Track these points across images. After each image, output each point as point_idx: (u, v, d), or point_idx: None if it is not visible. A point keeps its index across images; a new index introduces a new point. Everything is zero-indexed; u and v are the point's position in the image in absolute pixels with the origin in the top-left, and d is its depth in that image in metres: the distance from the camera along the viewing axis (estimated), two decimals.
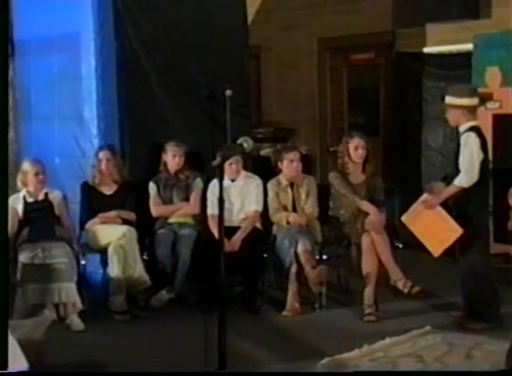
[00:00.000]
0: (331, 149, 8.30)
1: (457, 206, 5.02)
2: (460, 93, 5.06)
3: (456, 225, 4.97)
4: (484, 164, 4.94)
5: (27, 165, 5.70)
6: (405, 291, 5.36)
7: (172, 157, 5.96)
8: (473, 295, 5.08)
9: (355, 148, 5.66)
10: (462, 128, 5.05)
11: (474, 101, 5.05)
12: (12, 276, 5.17)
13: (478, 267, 5.02)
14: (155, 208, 5.97)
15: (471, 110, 5.05)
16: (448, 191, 5.01)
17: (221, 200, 3.77)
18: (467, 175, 4.90)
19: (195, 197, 5.99)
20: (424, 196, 5.15)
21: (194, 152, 6.17)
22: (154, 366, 4.40)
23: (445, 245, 5.03)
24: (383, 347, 4.66)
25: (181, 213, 5.96)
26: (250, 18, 7.49)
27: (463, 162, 4.92)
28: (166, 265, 5.67)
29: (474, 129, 5.00)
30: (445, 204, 5.05)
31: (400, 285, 5.37)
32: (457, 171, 4.98)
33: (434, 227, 5.06)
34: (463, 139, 4.96)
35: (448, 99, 5.08)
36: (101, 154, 5.83)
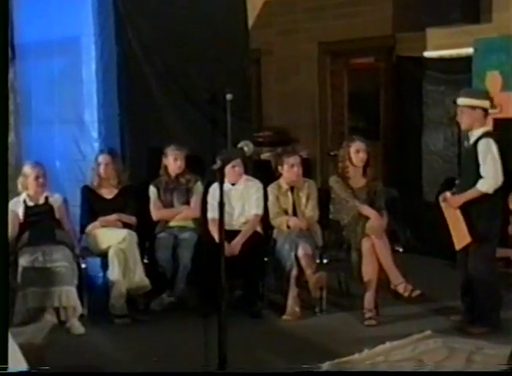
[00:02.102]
0: (332, 153, 8.29)
1: (471, 211, 5.01)
2: (476, 95, 5.14)
3: (467, 233, 4.98)
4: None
5: (27, 169, 5.70)
6: (406, 294, 5.35)
7: (173, 161, 5.96)
8: (477, 300, 5.07)
9: (356, 152, 5.66)
10: (476, 133, 5.03)
11: (488, 104, 5.09)
12: (13, 280, 5.17)
13: (485, 273, 5.02)
14: (155, 212, 5.96)
15: (484, 114, 5.06)
16: (470, 194, 4.98)
17: (221, 204, 3.76)
18: (493, 181, 4.90)
19: (195, 200, 5.98)
20: (447, 194, 5.15)
21: (195, 156, 6.17)
22: (154, 371, 4.40)
23: (460, 245, 5.05)
24: (383, 351, 4.66)
25: (181, 217, 5.96)
26: (250, 22, 7.50)
27: (486, 168, 4.90)
28: (166, 268, 5.67)
29: (491, 135, 5.01)
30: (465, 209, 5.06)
31: (400, 289, 5.37)
32: (469, 177, 4.98)
33: (453, 225, 5.08)
34: (482, 144, 4.94)
35: (464, 101, 5.08)
36: (100, 158, 5.83)
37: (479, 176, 4.93)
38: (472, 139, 5.06)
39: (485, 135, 4.99)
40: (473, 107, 5.03)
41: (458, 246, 5.07)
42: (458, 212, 5.04)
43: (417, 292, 5.34)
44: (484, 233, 4.99)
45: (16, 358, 3.12)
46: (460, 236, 5.02)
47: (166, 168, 6.01)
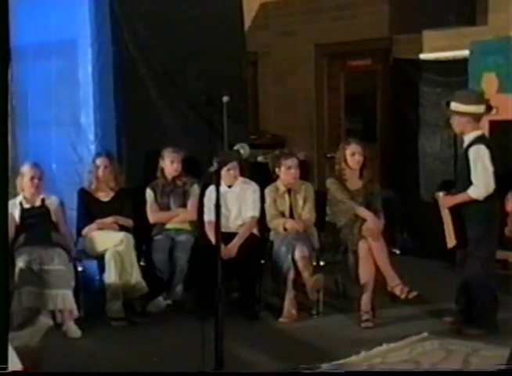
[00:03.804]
0: (328, 155, 8.30)
1: (467, 215, 5.02)
2: (466, 100, 5.03)
3: (453, 237, 5.00)
4: (494, 175, 4.93)
5: (24, 169, 5.69)
6: (403, 296, 5.36)
7: (170, 163, 5.96)
8: (473, 303, 5.08)
9: (352, 154, 5.66)
10: (468, 138, 5.01)
11: (480, 108, 5.03)
12: (10, 281, 5.16)
13: (482, 276, 5.02)
14: (152, 215, 5.96)
15: (477, 118, 5.02)
16: (461, 198, 4.99)
17: (217, 206, 3.76)
18: (483, 189, 4.89)
19: (192, 203, 5.98)
20: (440, 194, 5.17)
21: (191, 158, 6.17)
22: (150, 373, 4.39)
23: (449, 246, 5.09)
24: (380, 353, 4.67)
25: (178, 219, 5.95)
26: (247, 24, 7.51)
27: (477, 176, 4.89)
28: (163, 271, 5.66)
29: (482, 140, 4.98)
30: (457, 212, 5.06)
31: (397, 291, 5.37)
32: (463, 181, 4.98)
33: (444, 225, 5.11)
34: (472, 151, 4.92)
35: (454, 106, 5.04)
36: (98, 161, 5.82)
37: (471, 182, 4.93)
38: (464, 144, 5.05)
39: (477, 140, 4.96)
40: (461, 113, 5.00)
41: (448, 246, 5.09)
42: (447, 213, 5.05)
43: (414, 294, 5.35)
44: (479, 237, 4.99)
45: (10, 360, 3.12)
46: (449, 237, 5.05)
47: (163, 170, 6.01)
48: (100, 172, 5.79)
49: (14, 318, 5.05)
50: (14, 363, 3.22)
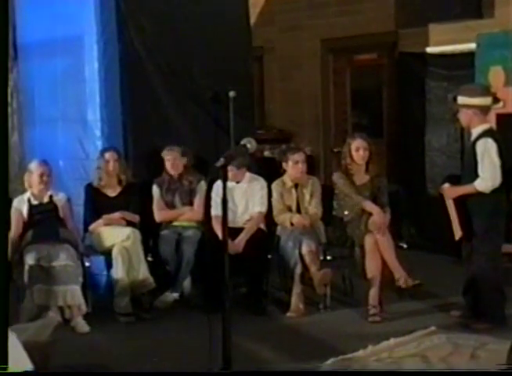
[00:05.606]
0: (335, 149, 8.30)
1: (473, 208, 5.02)
2: (472, 93, 5.03)
3: (458, 228, 5.01)
4: (500, 169, 4.93)
5: (32, 165, 5.70)
6: (405, 286, 5.34)
7: (168, 162, 5.96)
8: (479, 297, 5.08)
9: (357, 149, 5.66)
10: (475, 131, 5.00)
11: (487, 101, 5.02)
12: (19, 279, 5.19)
13: (488, 270, 5.01)
14: (159, 213, 5.95)
15: (484, 111, 5.01)
16: (466, 189, 4.99)
17: (224, 201, 3.76)
18: (490, 182, 4.88)
19: (198, 202, 5.97)
20: (445, 185, 5.18)
21: (197, 154, 6.17)
22: (158, 368, 4.41)
23: (456, 237, 5.10)
24: (387, 347, 4.66)
25: (184, 218, 5.96)
26: (253, 19, 7.51)
27: (484, 169, 4.88)
28: (170, 264, 5.67)
29: (490, 134, 4.96)
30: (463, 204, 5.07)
31: (401, 282, 5.36)
32: (470, 175, 4.97)
33: (450, 216, 5.12)
34: (480, 145, 4.91)
35: (461, 99, 5.04)
36: (107, 155, 5.83)
37: (478, 176, 4.93)
38: (472, 138, 5.04)
39: (484, 134, 4.95)
40: (468, 106, 5.00)
41: (455, 237, 5.10)
42: (452, 204, 5.05)
43: (416, 281, 5.33)
44: (485, 231, 4.98)
45: (19, 356, 3.13)
46: (455, 228, 5.06)
47: (167, 167, 6.02)
48: (110, 166, 5.80)
49: (25, 316, 5.08)
50: (21, 359, 3.24)
